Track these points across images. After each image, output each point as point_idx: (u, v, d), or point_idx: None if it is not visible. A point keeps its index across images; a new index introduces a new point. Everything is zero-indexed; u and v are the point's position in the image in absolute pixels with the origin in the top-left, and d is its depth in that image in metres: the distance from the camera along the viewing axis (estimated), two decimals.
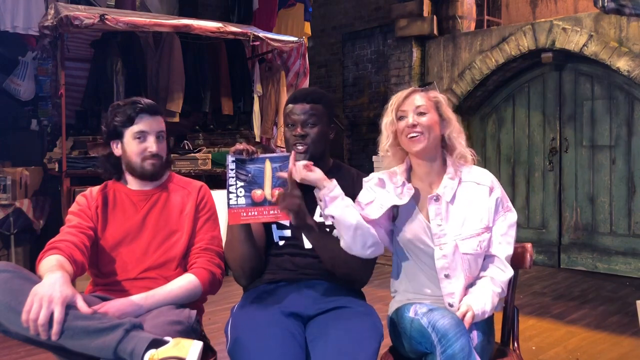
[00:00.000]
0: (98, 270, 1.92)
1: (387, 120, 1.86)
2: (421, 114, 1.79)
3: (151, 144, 1.91)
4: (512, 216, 1.84)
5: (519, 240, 1.89)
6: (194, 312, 1.81)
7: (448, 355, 1.53)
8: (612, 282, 4.99)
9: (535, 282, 4.97)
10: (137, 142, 1.90)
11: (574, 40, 5.23)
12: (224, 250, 1.94)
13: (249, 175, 1.80)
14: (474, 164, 1.88)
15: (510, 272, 1.81)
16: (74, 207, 1.95)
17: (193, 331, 1.74)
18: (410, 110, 1.80)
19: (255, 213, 1.78)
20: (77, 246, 1.78)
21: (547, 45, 5.41)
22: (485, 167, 6.72)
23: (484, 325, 1.74)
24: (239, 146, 1.83)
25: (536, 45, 5.49)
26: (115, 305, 1.66)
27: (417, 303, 1.74)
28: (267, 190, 1.80)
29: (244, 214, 1.78)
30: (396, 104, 1.84)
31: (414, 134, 1.78)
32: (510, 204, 1.87)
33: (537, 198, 5.80)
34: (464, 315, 1.64)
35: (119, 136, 1.92)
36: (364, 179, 1.92)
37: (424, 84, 1.98)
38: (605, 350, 3.35)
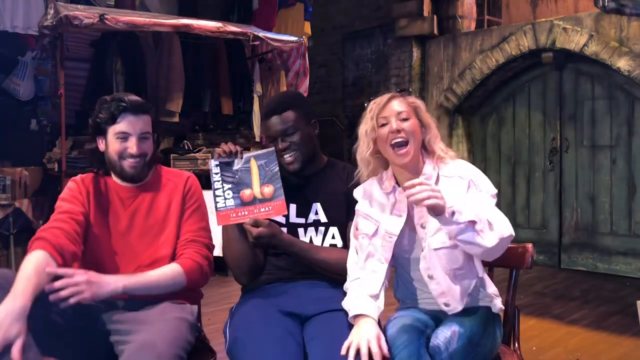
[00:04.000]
0: (85, 262, 1.86)
1: (366, 128, 1.79)
2: (404, 119, 1.75)
3: (132, 145, 1.84)
4: (484, 195, 1.72)
5: (519, 240, 1.87)
6: (195, 307, 1.81)
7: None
8: (613, 282, 4.99)
9: (535, 283, 4.96)
10: (119, 141, 1.85)
11: (575, 40, 5.22)
12: (223, 250, 1.93)
13: (236, 177, 1.81)
14: (450, 158, 1.81)
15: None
16: (64, 193, 1.89)
17: (195, 327, 1.76)
18: (392, 116, 1.75)
19: (246, 212, 1.79)
20: (68, 234, 1.73)
21: (548, 45, 5.40)
22: (485, 167, 6.70)
23: (471, 326, 1.64)
24: (223, 147, 1.85)
25: (536, 45, 5.48)
26: (95, 280, 1.62)
27: (404, 308, 1.76)
28: (256, 189, 1.81)
29: (234, 215, 1.79)
30: (376, 110, 1.78)
31: (399, 139, 1.73)
32: (487, 187, 1.74)
33: (538, 198, 5.79)
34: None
35: (102, 132, 1.88)
36: (355, 193, 1.87)
37: (400, 90, 1.86)
38: (606, 350, 3.34)
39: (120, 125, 1.84)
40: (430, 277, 1.72)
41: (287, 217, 1.94)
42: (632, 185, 5.20)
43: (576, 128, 5.54)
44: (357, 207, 1.85)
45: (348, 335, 1.64)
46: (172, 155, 5.23)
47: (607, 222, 5.34)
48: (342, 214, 1.95)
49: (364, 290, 1.72)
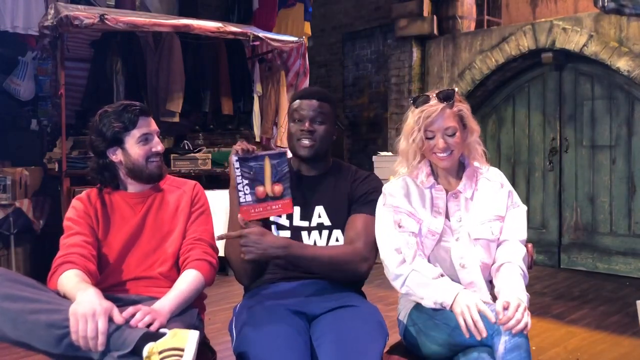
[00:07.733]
0: (100, 273, 1.90)
1: (415, 138, 1.79)
2: (450, 135, 1.78)
3: (156, 144, 1.92)
4: (521, 209, 1.92)
5: None
6: (195, 310, 1.81)
7: (516, 342, 1.54)
8: (612, 282, 4.99)
9: (535, 282, 4.96)
10: (142, 144, 1.89)
11: (574, 40, 5.22)
12: (225, 250, 1.94)
13: (252, 172, 1.84)
14: (487, 163, 1.91)
15: (523, 250, 1.84)
16: (71, 213, 1.90)
17: (196, 329, 1.74)
18: (439, 131, 1.77)
19: (261, 209, 1.83)
20: (88, 258, 1.78)
21: (547, 45, 5.40)
22: None
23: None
24: (238, 146, 1.85)
25: (536, 45, 5.49)
26: (156, 310, 1.64)
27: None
28: (268, 187, 1.84)
29: (253, 211, 1.82)
30: (423, 122, 1.77)
31: (445, 154, 1.78)
32: (519, 201, 1.92)
33: (537, 198, 5.80)
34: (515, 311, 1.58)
35: (118, 143, 1.89)
36: (386, 191, 1.87)
37: (446, 92, 1.83)
38: (606, 350, 3.34)
39: (142, 128, 1.90)
40: (462, 265, 1.78)
41: (290, 220, 1.95)
42: (632, 185, 5.20)
43: (576, 128, 5.54)
44: (395, 203, 1.84)
45: (356, 332, 1.66)
46: (172, 155, 5.23)
47: (607, 222, 5.35)
48: (346, 216, 1.96)
49: (433, 275, 1.73)
